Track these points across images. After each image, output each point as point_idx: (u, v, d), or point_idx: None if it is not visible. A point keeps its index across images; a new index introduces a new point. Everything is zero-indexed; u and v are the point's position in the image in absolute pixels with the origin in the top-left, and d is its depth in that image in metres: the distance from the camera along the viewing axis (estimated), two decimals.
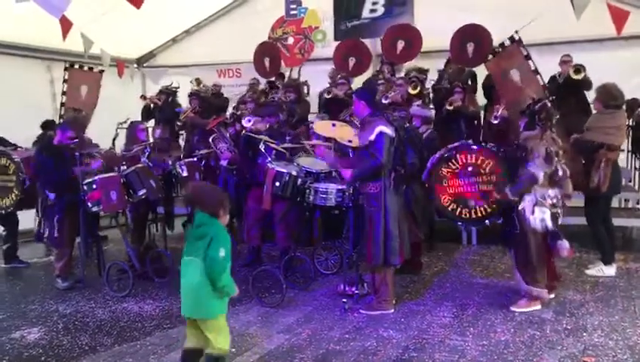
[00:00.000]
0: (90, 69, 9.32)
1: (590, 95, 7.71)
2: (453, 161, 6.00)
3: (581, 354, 4.22)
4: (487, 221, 5.98)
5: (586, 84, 7.65)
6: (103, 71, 9.25)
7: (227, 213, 3.58)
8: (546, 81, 7.80)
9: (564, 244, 5.02)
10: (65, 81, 9.10)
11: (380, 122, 5.04)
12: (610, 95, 5.98)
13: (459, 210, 6.03)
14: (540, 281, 5.11)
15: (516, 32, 7.36)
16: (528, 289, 5.13)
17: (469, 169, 5.97)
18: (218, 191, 3.72)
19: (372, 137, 4.98)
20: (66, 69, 9.13)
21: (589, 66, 7.72)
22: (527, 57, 7.36)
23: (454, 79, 8.50)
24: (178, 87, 10.15)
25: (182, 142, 9.91)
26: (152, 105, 9.91)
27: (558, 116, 5.26)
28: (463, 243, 7.79)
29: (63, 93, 9.12)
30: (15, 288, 6.48)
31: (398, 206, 5.17)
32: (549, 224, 5.00)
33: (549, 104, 5.34)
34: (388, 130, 5.02)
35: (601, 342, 4.41)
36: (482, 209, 5.93)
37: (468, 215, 6.00)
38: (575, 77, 7.63)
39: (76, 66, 9.23)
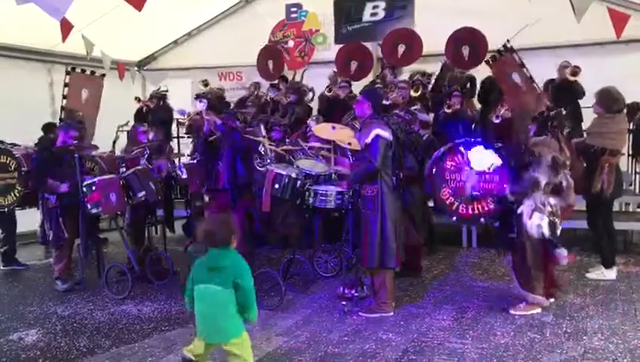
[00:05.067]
0: (92, 73, 9.29)
1: (582, 102, 7.74)
2: (458, 156, 5.95)
3: (581, 357, 4.20)
4: (482, 219, 5.90)
5: (579, 92, 7.65)
6: (104, 75, 9.22)
7: (237, 238, 3.48)
8: (543, 84, 7.72)
9: (563, 252, 5.00)
10: (66, 85, 9.08)
11: (378, 125, 5.04)
12: (611, 99, 5.94)
13: (456, 205, 5.98)
14: (535, 288, 5.08)
15: (508, 40, 7.35)
16: (524, 294, 5.12)
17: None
18: (227, 222, 3.52)
19: (368, 140, 5.00)
20: (67, 73, 9.10)
21: (589, 70, 7.71)
22: (522, 65, 7.33)
23: (453, 83, 8.50)
24: (167, 91, 10.10)
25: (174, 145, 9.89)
26: (144, 108, 9.96)
27: (570, 128, 5.23)
28: (464, 246, 7.77)
29: (64, 96, 9.10)
30: (14, 290, 6.48)
31: (396, 209, 5.15)
32: (546, 231, 4.95)
33: (564, 112, 5.32)
34: (384, 134, 5.01)
35: (602, 346, 4.39)
36: (480, 206, 5.87)
37: (465, 211, 5.94)
38: (572, 78, 7.61)
39: (78, 70, 9.20)
